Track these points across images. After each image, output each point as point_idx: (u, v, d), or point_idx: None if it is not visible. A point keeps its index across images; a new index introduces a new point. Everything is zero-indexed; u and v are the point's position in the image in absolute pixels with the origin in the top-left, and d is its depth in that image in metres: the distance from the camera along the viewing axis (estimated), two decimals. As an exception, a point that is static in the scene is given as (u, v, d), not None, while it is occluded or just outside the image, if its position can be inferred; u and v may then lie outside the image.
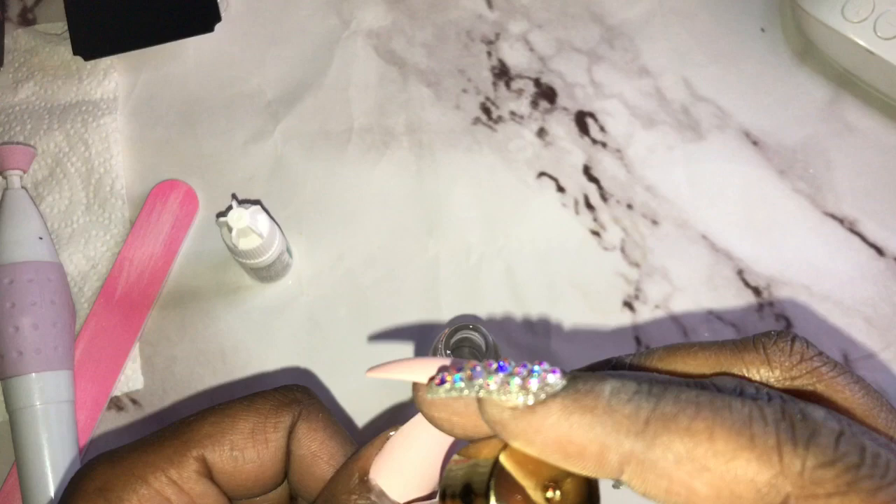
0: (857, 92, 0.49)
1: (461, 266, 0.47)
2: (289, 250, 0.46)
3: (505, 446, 0.16)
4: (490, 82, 0.51)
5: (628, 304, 0.46)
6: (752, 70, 0.50)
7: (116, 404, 0.45)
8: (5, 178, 0.47)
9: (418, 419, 0.19)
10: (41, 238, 0.45)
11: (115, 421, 0.45)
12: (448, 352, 0.39)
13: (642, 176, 0.48)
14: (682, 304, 0.46)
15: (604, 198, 0.48)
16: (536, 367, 0.16)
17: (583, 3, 0.52)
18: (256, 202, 0.48)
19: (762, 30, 0.51)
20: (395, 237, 0.48)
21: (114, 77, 0.51)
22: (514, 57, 0.51)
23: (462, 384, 0.16)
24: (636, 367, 0.19)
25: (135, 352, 0.46)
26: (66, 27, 0.51)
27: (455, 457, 0.18)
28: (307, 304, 0.47)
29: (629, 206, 0.48)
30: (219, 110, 0.51)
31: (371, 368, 0.19)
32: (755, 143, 0.49)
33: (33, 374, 0.41)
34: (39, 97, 0.51)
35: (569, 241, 0.47)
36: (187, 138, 0.50)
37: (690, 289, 0.46)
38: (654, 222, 0.47)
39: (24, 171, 0.47)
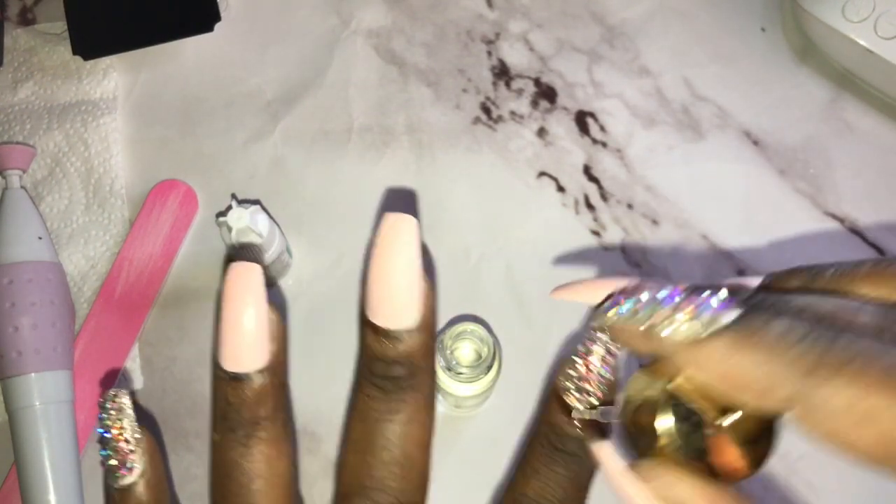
0: (857, 92, 0.49)
1: (461, 266, 0.47)
2: (289, 250, 0.46)
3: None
4: (490, 82, 0.51)
5: (628, 304, 0.46)
6: (753, 70, 0.50)
7: (116, 404, 0.45)
8: (5, 177, 0.47)
9: None
10: (40, 238, 0.45)
11: (115, 421, 0.45)
12: (448, 352, 0.39)
13: (642, 176, 0.48)
14: (683, 304, 0.46)
15: (604, 198, 0.48)
16: (706, 299, 0.15)
17: (583, 2, 0.52)
18: (256, 202, 0.48)
19: (762, 29, 0.51)
20: (395, 237, 0.48)
21: (113, 77, 0.51)
22: (515, 57, 0.51)
23: (628, 315, 0.16)
24: (821, 288, 0.18)
25: (134, 352, 0.46)
26: (65, 27, 0.51)
27: (637, 372, 0.18)
28: (307, 304, 0.47)
29: (629, 206, 0.48)
30: (219, 110, 0.51)
31: (555, 289, 0.20)
32: (755, 142, 0.49)
33: (33, 374, 0.41)
34: (39, 97, 0.51)
35: (569, 241, 0.47)
36: (187, 138, 0.50)
37: (691, 289, 0.46)
38: (655, 222, 0.47)
39: (24, 171, 0.47)
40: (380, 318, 0.19)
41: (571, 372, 0.20)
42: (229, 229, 0.41)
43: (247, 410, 0.19)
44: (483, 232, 0.47)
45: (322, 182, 0.49)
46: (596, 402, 0.20)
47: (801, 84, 0.50)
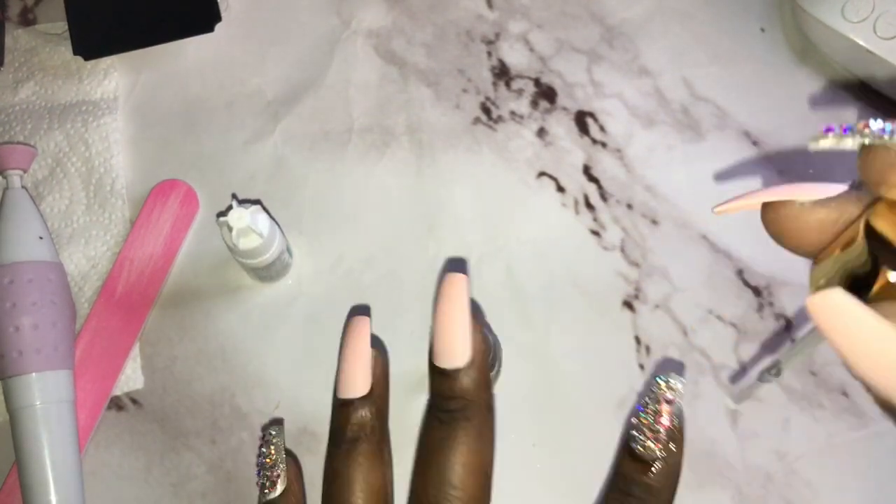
0: (856, 92, 0.49)
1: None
2: (289, 250, 0.46)
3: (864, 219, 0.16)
4: (490, 82, 0.51)
5: (628, 304, 0.46)
6: (752, 70, 0.50)
7: (117, 404, 0.45)
8: (5, 177, 0.47)
9: None
10: (41, 238, 0.45)
11: (116, 420, 0.45)
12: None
13: (642, 176, 0.48)
14: (682, 304, 0.46)
15: (604, 198, 0.48)
16: None
17: (582, 2, 0.52)
18: (256, 202, 0.48)
19: (762, 30, 0.51)
20: (395, 237, 0.48)
21: (114, 77, 0.51)
22: (514, 57, 0.51)
23: (851, 132, 0.16)
24: None
25: (135, 351, 0.46)
26: (66, 27, 0.51)
27: (814, 266, 0.18)
28: (307, 304, 0.47)
29: (629, 206, 0.48)
30: (219, 110, 0.51)
31: (719, 205, 0.20)
32: (755, 142, 0.49)
33: (34, 374, 0.41)
34: (40, 97, 0.51)
35: (569, 241, 0.47)
36: (187, 138, 0.50)
37: (690, 289, 0.46)
38: (654, 222, 0.47)
39: (25, 171, 0.47)
40: (438, 360, 0.23)
41: (636, 422, 0.22)
42: (230, 229, 0.41)
43: (350, 430, 0.23)
44: (483, 232, 0.48)
45: (322, 182, 0.49)
46: (663, 454, 0.21)
47: (800, 84, 0.50)
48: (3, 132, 0.50)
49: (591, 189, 0.48)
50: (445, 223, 0.48)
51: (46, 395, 0.41)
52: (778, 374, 0.18)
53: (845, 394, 0.44)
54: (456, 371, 0.22)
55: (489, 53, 0.51)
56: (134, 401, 0.45)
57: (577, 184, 0.48)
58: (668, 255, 0.47)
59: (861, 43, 0.45)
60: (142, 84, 0.52)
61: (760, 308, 0.46)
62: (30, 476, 0.40)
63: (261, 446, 0.27)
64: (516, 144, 0.49)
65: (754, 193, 0.19)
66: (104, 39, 0.51)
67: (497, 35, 0.52)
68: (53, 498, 0.40)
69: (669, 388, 0.21)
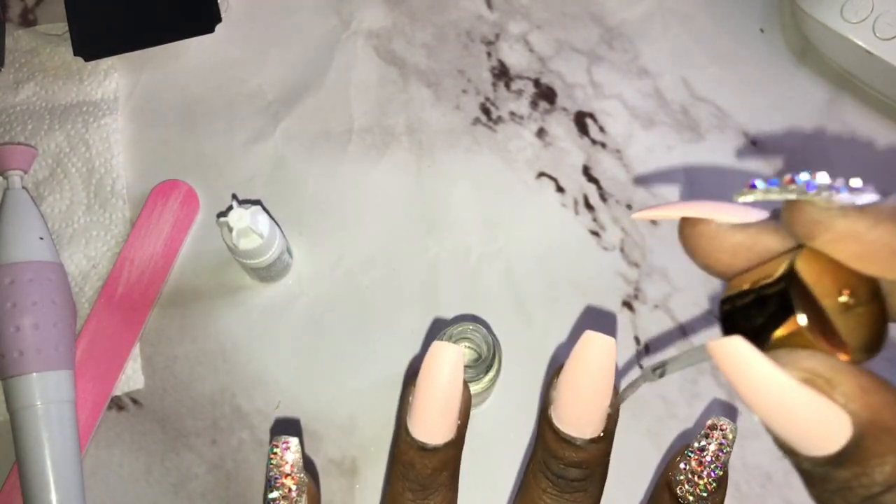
0: (855, 92, 0.49)
1: (461, 266, 0.47)
2: (289, 250, 0.46)
3: (789, 261, 0.16)
4: (490, 83, 0.51)
5: (628, 304, 0.46)
6: (752, 70, 0.50)
7: (117, 404, 0.45)
8: (6, 178, 0.47)
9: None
10: (42, 238, 0.45)
11: (116, 421, 0.45)
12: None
13: (642, 176, 0.48)
14: (682, 304, 0.46)
15: (603, 198, 0.48)
16: (846, 183, 0.15)
17: (582, 3, 0.52)
18: (257, 202, 0.48)
19: (761, 30, 0.51)
20: (395, 237, 0.48)
21: (114, 78, 0.51)
22: (514, 57, 0.51)
23: (777, 188, 0.16)
24: None
25: (135, 351, 0.46)
26: (66, 28, 0.51)
27: (727, 287, 0.18)
28: (307, 304, 0.47)
29: (629, 206, 0.48)
30: (219, 110, 0.51)
31: (639, 211, 0.19)
32: (754, 143, 0.49)
33: (34, 374, 0.41)
34: (40, 98, 0.51)
35: (569, 241, 0.47)
36: (188, 138, 0.50)
37: (690, 289, 0.46)
38: (654, 222, 0.47)
39: (25, 172, 0.47)
40: (567, 428, 0.20)
41: (684, 465, 0.21)
42: (230, 230, 0.41)
43: (428, 477, 0.21)
44: (483, 232, 0.48)
45: (322, 182, 0.49)
46: (705, 495, 0.21)
47: (799, 85, 0.50)
48: (4, 133, 0.50)
49: (591, 189, 0.48)
50: (445, 223, 0.48)
51: (47, 396, 0.41)
52: (662, 374, 0.18)
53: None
54: (585, 440, 0.20)
55: (489, 54, 0.52)
56: (134, 401, 0.45)
57: (577, 184, 0.48)
58: (668, 255, 0.47)
59: (860, 43, 0.45)
60: (142, 85, 0.52)
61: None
62: (30, 476, 0.40)
63: (270, 459, 0.25)
64: (516, 145, 0.49)
65: (674, 205, 0.19)
66: (105, 40, 0.51)
67: (497, 36, 0.52)
68: (54, 498, 0.40)
69: (724, 437, 0.21)
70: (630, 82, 0.50)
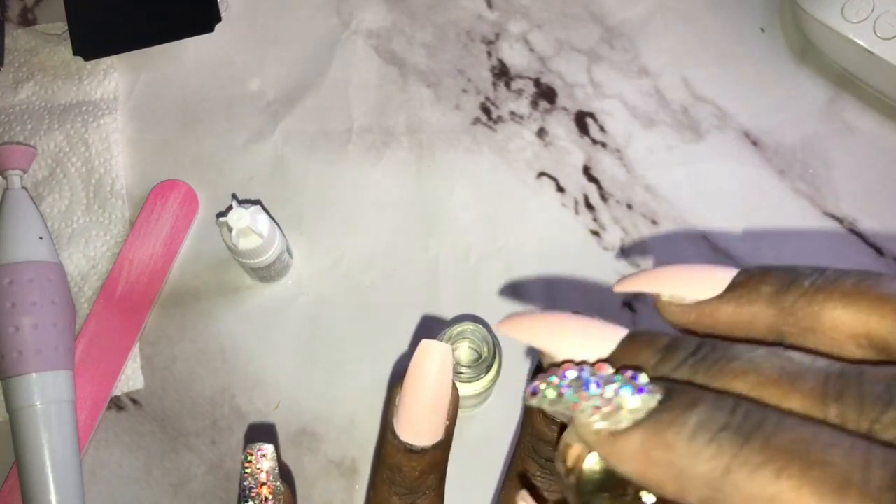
0: (856, 92, 0.49)
1: (461, 266, 0.47)
2: (289, 250, 0.46)
3: None
4: (490, 82, 0.51)
5: (628, 304, 0.46)
6: (752, 70, 0.50)
7: (117, 404, 0.45)
8: (5, 177, 0.47)
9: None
10: (41, 238, 0.45)
11: (116, 421, 0.45)
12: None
13: (642, 176, 0.48)
14: (682, 304, 0.46)
15: (604, 198, 0.48)
16: (622, 388, 0.15)
17: (582, 3, 0.52)
18: (256, 202, 0.48)
19: (762, 30, 0.51)
20: (395, 237, 0.48)
21: (114, 77, 0.51)
22: (514, 57, 0.51)
23: (552, 398, 0.16)
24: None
25: (135, 351, 0.46)
26: (66, 27, 0.51)
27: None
28: (307, 304, 0.47)
29: (629, 206, 0.48)
30: (219, 110, 0.51)
31: (505, 323, 0.19)
32: (755, 143, 0.49)
33: (33, 374, 0.41)
34: (40, 97, 0.51)
35: (569, 241, 0.47)
36: (187, 138, 0.50)
37: (690, 289, 0.46)
38: (654, 222, 0.47)
39: (25, 171, 0.47)
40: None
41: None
42: (230, 229, 0.41)
43: (416, 480, 0.21)
44: (483, 232, 0.48)
45: (322, 182, 0.49)
46: None
47: (800, 84, 0.50)
48: (3, 132, 0.50)
49: (591, 189, 0.48)
50: (445, 223, 0.48)
51: (46, 396, 0.41)
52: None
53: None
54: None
55: (489, 54, 0.51)
56: (134, 401, 0.45)
57: (577, 184, 0.48)
58: (668, 256, 0.47)
59: (861, 43, 0.45)
60: (142, 84, 0.52)
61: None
62: (30, 476, 0.40)
63: (244, 467, 0.24)
64: (516, 145, 0.49)
65: (650, 280, 0.20)
66: (104, 40, 0.51)
67: (497, 35, 0.52)
68: (53, 498, 0.40)
69: None
70: (630, 82, 0.50)
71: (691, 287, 0.18)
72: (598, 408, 0.15)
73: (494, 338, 0.39)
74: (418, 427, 0.20)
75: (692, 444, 0.14)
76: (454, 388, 0.21)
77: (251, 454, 0.24)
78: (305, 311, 0.46)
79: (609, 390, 0.15)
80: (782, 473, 0.13)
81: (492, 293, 0.46)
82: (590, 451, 0.16)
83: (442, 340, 0.39)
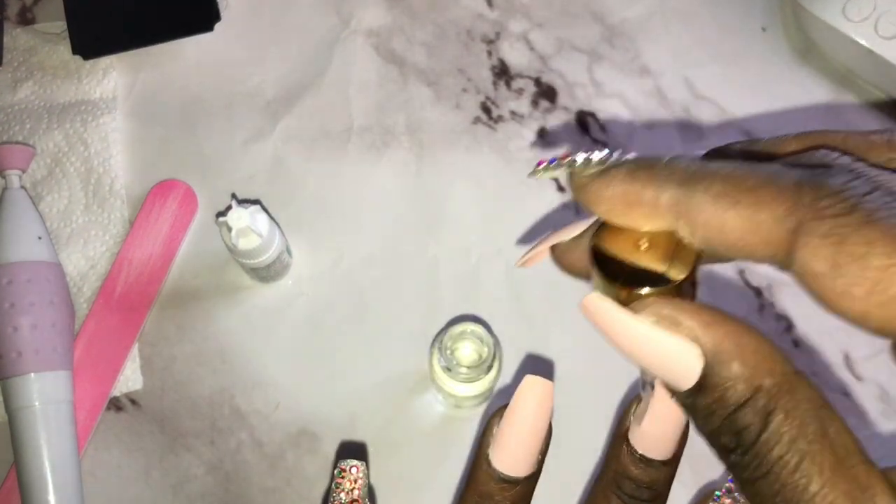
0: (858, 91, 0.49)
1: (461, 266, 0.47)
2: (289, 250, 0.46)
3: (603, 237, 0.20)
4: (490, 82, 0.51)
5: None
6: (753, 69, 0.50)
7: (116, 404, 0.45)
8: (4, 177, 0.46)
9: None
10: (40, 238, 0.45)
11: (115, 421, 0.45)
12: (448, 352, 0.39)
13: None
14: (683, 304, 0.46)
15: (604, 197, 0.48)
16: (595, 150, 0.19)
17: (583, 2, 0.52)
18: (256, 202, 0.48)
19: (763, 29, 0.51)
20: (395, 237, 0.48)
21: (113, 76, 0.51)
22: (515, 56, 0.51)
23: (555, 164, 0.19)
24: (761, 152, 0.21)
25: (134, 352, 0.46)
26: (65, 26, 0.51)
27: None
28: (307, 304, 0.46)
29: (630, 206, 0.48)
30: (218, 110, 0.51)
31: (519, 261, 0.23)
32: (756, 142, 0.49)
33: (32, 375, 0.41)
34: (38, 96, 0.51)
35: (569, 241, 0.47)
36: (187, 138, 0.50)
37: (691, 289, 0.46)
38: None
39: (23, 171, 0.47)
40: (646, 450, 0.21)
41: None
42: (229, 229, 0.41)
43: None
44: (483, 232, 0.47)
45: (322, 182, 0.49)
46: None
47: (801, 84, 0.50)
48: (2, 132, 0.50)
49: (592, 189, 0.48)
50: (445, 223, 0.48)
51: (45, 396, 0.41)
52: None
53: (846, 394, 0.44)
54: (660, 462, 0.21)
55: (489, 53, 0.51)
56: (133, 401, 0.45)
57: (578, 183, 0.48)
58: (669, 255, 0.46)
59: (862, 42, 0.45)
60: (141, 84, 0.52)
61: (761, 309, 0.45)
62: (29, 476, 0.40)
63: (336, 481, 0.23)
64: (516, 144, 0.49)
65: (539, 245, 0.23)
66: (103, 39, 0.51)
67: (497, 34, 0.52)
68: (52, 498, 0.40)
69: None
70: (631, 81, 0.50)
71: (570, 232, 0.22)
72: (576, 162, 0.19)
73: (494, 338, 0.39)
74: (514, 458, 0.21)
75: (668, 165, 0.17)
76: (550, 423, 0.22)
77: (344, 470, 0.24)
78: (305, 311, 0.46)
79: (598, 154, 0.19)
80: (735, 170, 0.17)
81: (492, 293, 0.46)
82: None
83: (442, 340, 0.39)
